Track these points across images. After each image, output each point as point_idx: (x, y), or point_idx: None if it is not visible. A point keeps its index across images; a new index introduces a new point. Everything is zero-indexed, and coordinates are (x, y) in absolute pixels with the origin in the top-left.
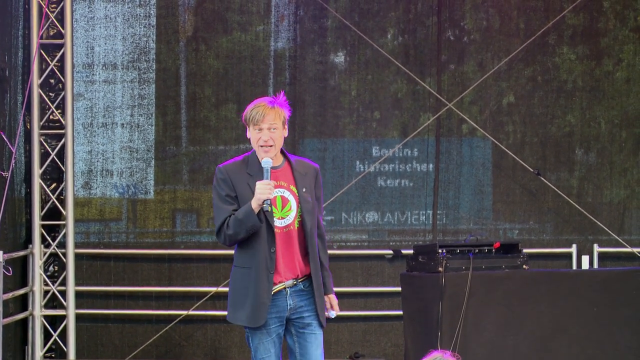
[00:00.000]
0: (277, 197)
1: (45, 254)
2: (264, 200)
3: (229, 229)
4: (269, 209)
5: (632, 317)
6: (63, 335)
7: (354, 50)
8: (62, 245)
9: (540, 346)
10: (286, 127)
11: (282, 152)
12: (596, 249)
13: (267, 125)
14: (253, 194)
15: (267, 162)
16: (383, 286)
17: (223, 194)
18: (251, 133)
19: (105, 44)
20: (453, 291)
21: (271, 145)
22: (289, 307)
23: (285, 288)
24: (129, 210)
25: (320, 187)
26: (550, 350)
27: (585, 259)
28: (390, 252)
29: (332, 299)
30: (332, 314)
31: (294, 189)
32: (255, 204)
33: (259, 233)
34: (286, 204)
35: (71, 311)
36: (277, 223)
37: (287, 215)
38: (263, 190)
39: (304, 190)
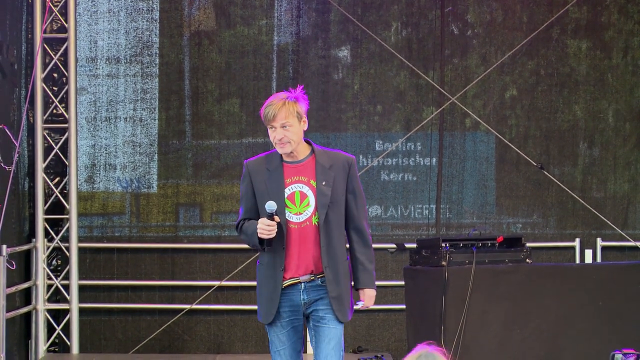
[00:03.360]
0: (296, 193)
1: (48, 247)
2: (264, 239)
3: (241, 234)
4: (268, 247)
5: (637, 310)
6: (66, 329)
7: (357, 44)
8: (66, 239)
9: (547, 340)
10: (304, 119)
11: (309, 144)
12: (599, 242)
13: (279, 124)
14: (267, 191)
15: (271, 206)
16: (386, 280)
17: (243, 192)
18: (268, 132)
19: (109, 38)
20: (456, 285)
21: (287, 142)
22: (302, 301)
23: (300, 282)
24: (132, 204)
25: (355, 177)
26: (557, 344)
27: (588, 253)
28: (394, 246)
29: (366, 292)
30: (359, 303)
31: (313, 183)
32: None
33: None
34: (304, 199)
35: (74, 305)
36: (294, 219)
37: (304, 211)
38: (262, 231)
39: (322, 183)
